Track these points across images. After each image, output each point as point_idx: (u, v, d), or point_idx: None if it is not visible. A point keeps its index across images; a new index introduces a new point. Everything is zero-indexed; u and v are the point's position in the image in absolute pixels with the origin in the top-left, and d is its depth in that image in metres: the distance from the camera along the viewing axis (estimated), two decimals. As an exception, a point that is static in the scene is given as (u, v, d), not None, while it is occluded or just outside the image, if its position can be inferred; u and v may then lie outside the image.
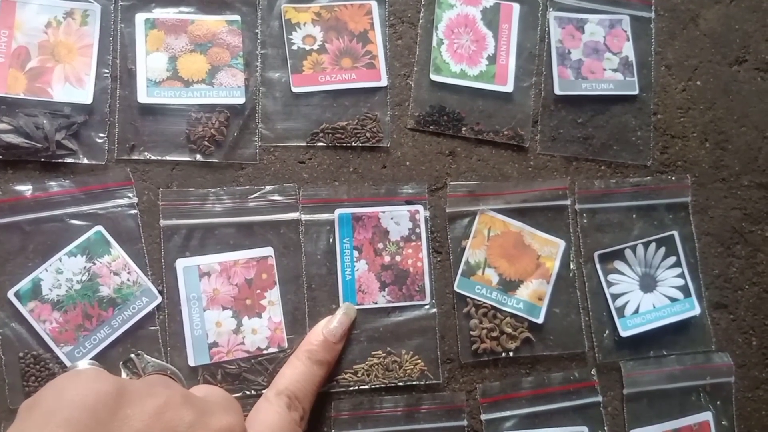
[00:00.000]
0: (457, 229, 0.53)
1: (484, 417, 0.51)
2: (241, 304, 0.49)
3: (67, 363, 0.48)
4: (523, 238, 0.53)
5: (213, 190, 0.50)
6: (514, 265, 0.52)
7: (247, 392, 0.49)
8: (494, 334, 0.51)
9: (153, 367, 0.42)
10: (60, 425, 0.28)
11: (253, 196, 0.50)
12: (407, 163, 0.53)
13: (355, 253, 0.51)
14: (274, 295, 0.50)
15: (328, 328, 0.48)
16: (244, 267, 0.49)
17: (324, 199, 0.51)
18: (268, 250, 0.50)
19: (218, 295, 0.49)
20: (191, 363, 0.48)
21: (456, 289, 0.52)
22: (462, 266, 0.52)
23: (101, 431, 0.29)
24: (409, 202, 0.52)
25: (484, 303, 0.52)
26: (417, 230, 0.52)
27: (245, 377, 0.49)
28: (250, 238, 0.50)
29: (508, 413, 0.51)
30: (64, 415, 0.29)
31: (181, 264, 0.49)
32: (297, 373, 0.45)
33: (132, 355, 0.42)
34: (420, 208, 0.52)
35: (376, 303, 0.51)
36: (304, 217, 0.51)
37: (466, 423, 0.51)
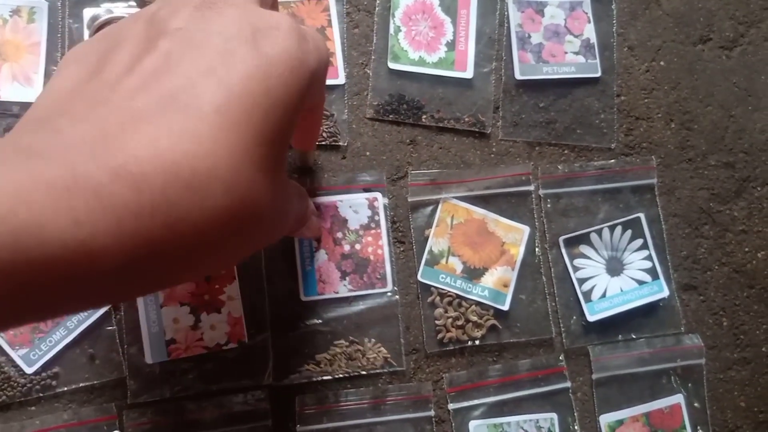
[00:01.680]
0: (420, 219, 0.52)
1: (451, 406, 0.50)
2: (199, 300, 0.48)
3: (23, 366, 0.47)
4: (486, 225, 0.52)
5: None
6: (478, 253, 0.52)
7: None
8: (460, 323, 0.51)
9: None
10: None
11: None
12: (367, 153, 0.53)
13: (314, 244, 0.50)
14: (233, 290, 0.49)
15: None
16: (200, 262, 0.49)
17: None
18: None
19: (175, 291, 0.48)
20: (148, 360, 0.48)
21: (420, 278, 0.51)
22: (425, 255, 0.52)
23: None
24: (367, 190, 0.51)
25: (449, 292, 0.51)
26: (376, 218, 0.51)
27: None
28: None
29: (475, 402, 0.51)
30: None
31: (136, 261, 0.48)
32: None
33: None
34: (378, 195, 0.51)
35: (337, 293, 0.50)
36: None
37: (433, 413, 0.50)
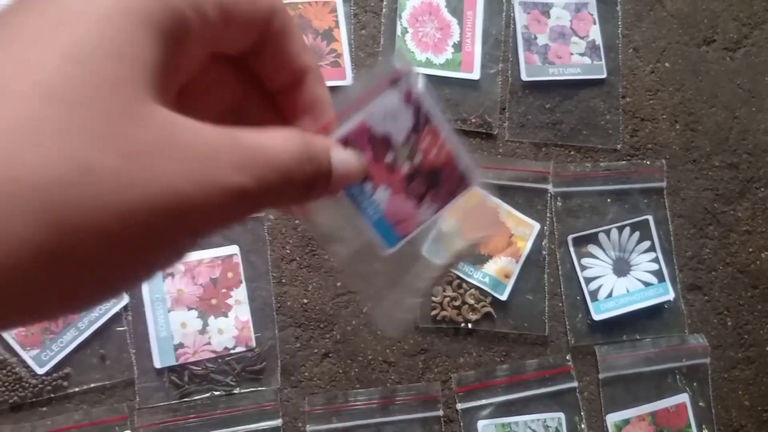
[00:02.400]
0: None
1: (459, 406, 0.51)
2: (207, 304, 0.49)
3: (35, 367, 0.47)
4: (498, 214, 0.52)
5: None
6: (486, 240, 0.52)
7: (216, 392, 0.48)
8: (456, 304, 0.51)
9: None
10: None
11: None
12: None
13: (367, 188, 0.38)
14: (240, 293, 0.49)
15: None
16: (208, 266, 0.49)
17: None
18: (233, 249, 0.49)
19: (183, 295, 0.48)
20: (157, 365, 0.48)
21: (424, 253, 0.51)
22: (433, 233, 0.52)
23: None
24: (394, 83, 0.36)
25: (451, 272, 0.52)
26: (422, 111, 0.35)
27: (212, 378, 0.49)
28: (214, 237, 0.49)
29: (483, 402, 0.51)
30: None
31: (146, 264, 0.48)
32: None
33: None
34: (409, 81, 0.32)
35: (422, 222, 0.43)
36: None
37: (441, 413, 0.50)
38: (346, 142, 0.33)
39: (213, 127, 0.19)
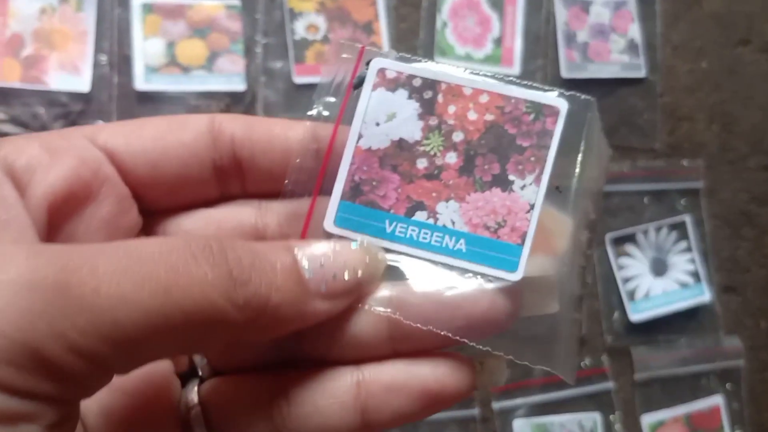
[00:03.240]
0: None
1: (495, 405, 0.50)
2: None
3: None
4: (569, 227, 0.52)
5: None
6: None
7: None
8: None
9: None
10: None
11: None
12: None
13: (419, 217, 0.22)
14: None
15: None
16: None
17: None
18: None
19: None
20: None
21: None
22: None
23: None
24: (359, 82, 0.23)
25: None
26: (416, 82, 0.22)
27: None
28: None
29: (519, 401, 0.51)
30: None
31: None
32: None
33: None
34: (377, 64, 0.23)
35: (530, 209, 0.29)
36: None
37: (477, 412, 0.50)
38: (354, 185, 0.22)
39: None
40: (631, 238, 0.53)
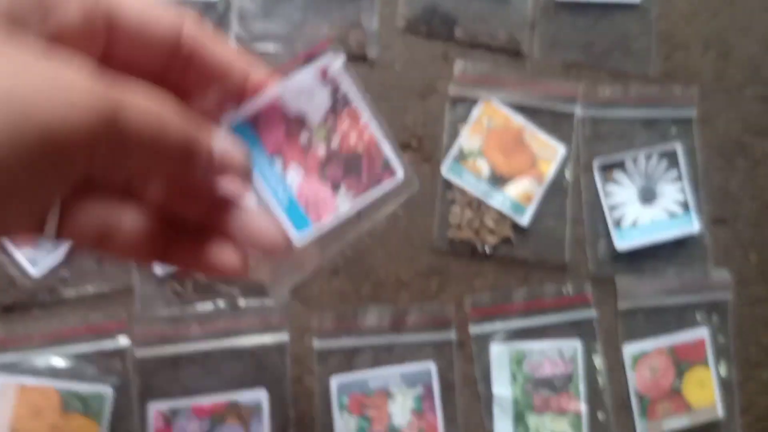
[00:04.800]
0: (456, 114, 0.50)
1: (472, 329, 0.49)
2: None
3: (29, 269, 0.44)
4: (523, 135, 0.50)
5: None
6: (508, 161, 0.50)
7: (220, 303, 0.46)
8: (475, 226, 0.49)
9: None
10: None
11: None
12: (396, 67, 0.50)
13: (277, 166, 0.32)
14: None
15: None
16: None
17: None
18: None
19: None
20: (158, 272, 0.45)
21: (444, 172, 0.49)
22: (454, 151, 0.50)
23: None
24: (308, 60, 0.33)
25: (471, 193, 0.49)
26: (340, 91, 0.33)
27: (217, 288, 0.46)
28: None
29: (498, 326, 0.49)
30: None
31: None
32: None
33: None
34: (325, 60, 0.33)
35: (338, 211, 0.34)
36: None
37: (454, 335, 0.49)
38: (257, 118, 0.31)
39: None
40: (620, 165, 0.51)
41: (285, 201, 0.33)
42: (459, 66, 0.49)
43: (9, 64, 0.18)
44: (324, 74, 0.33)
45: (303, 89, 0.33)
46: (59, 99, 0.18)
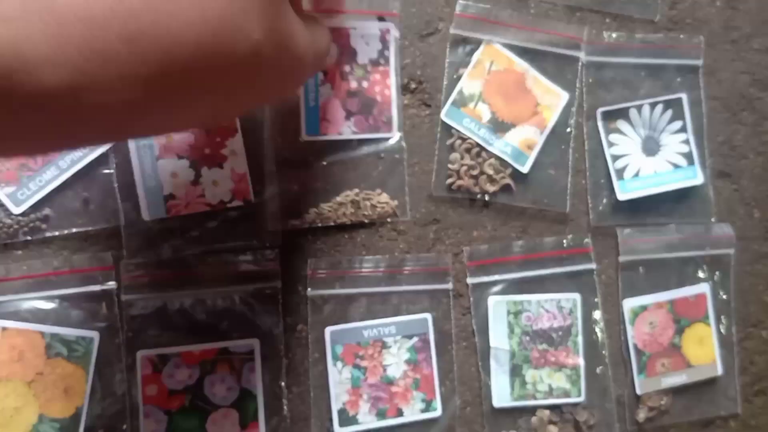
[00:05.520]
0: (457, 56, 0.48)
1: (470, 280, 0.48)
2: (199, 153, 0.44)
3: (10, 206, 0.42)
4: (525, 80, 0.48)
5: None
6: (509, 106, 0.48)
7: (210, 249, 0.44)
8: (474, 173, 0.47)
9: None
10: None
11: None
12: (395, 5, 0.48)
13: (320, 75, 0.46)
14: (236, 144, 0.45)
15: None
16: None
17: None
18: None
19: (172, 142, 0.44)
20: (145, 217, 0.43)
21: (443, 117, 0.47)
22: (454, 95, 0.48)
23: None
24: (381, 18, 0.47)
25: (470, 138, 0.47)
26: (386, 53, 0.47)
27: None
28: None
29: (496, 277, 0.48)
30: None
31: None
32: None
33: None
34: (391, 26, 0.47)
35: (341, 134, 0.46)
36: None
37: (451, 286, 0.47)
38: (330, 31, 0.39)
39: None
40: (623, 114, 0.50)
41: (311, 103, 0.45)
42: (461, 4, 0.47)
43: None
44: (384, 34, 0.45)
45: (365, 35, 0.45)
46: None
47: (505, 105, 0.48)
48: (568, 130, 0.49)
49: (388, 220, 0.46)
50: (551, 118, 0.48)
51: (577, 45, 0.49)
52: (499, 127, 0.48)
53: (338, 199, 0.46)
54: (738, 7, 0.53)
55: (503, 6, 0.49)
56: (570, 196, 0.49)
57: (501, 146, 0.48)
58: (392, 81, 0.47)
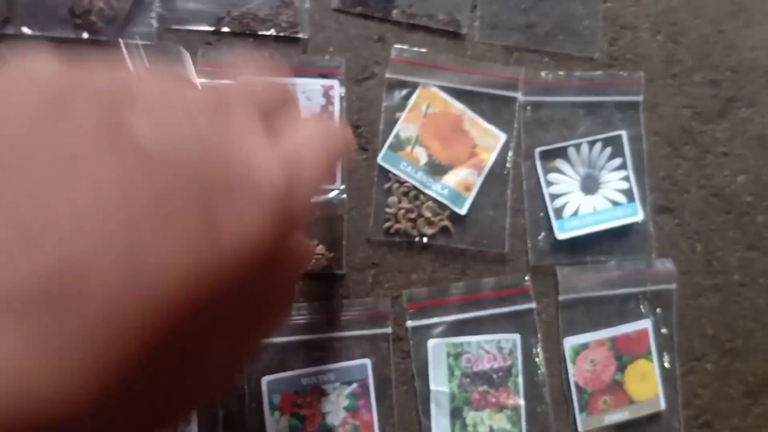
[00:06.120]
0: (393, 100, 0.48)
1: (409, 324, 0.48)
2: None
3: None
4: (462, 122, 0.48)
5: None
6: (446, 149, 0.48)
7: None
8: (412, 216, 0.47)
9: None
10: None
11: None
12: (330, 50, 0.48)
13: None
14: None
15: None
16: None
17: (224, 63, 0.45)
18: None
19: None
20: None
21: (380, 161, 0.47)
22: (391, 139, 0.48)
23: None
24: (323, 76, 0.47)
25: (407, 182, 0.47)
26: (330, 108, 0.47)
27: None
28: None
29: (435, 320, 0.48)
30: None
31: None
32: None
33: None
34: (335, 83, 0.47)
35: None
36: (199, 81, 0.45)
37: (390, 330, 0.47)
38: None
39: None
40: (562, 153, 0.50)
41: None
42: (396, 49, 0.47)
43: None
44: (327, 90, 0.46)
45: (308, 90, 0.45)
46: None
47: (442, 147, 0.48)
48: (506, 171, 0.49)
49: (322, 272, 0.46)
50: (489, 159, 0.48)
51: (515, 85, 0.49)
52: (437, 169, 0.48)
53: (272, 248, 0.45)
54: (680, 41, 0.53)
55: (439, 48, 0.49)
56: (509, 236, 0.49)
57: (438, 189, 0.47)
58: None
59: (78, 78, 0.17)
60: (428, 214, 0.48)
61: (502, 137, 0.49)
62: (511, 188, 0.49)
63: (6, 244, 0.14)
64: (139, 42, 0.35)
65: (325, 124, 0.26)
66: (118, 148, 0.16)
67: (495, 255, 0.49)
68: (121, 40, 0.30)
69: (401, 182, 0.48)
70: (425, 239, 0.48)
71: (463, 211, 0.48)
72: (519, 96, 0.49)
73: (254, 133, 0.20)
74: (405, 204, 0.47)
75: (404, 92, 0.48)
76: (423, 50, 0.48)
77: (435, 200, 0.48)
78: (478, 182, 0.48)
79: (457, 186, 0.48)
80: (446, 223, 0.48)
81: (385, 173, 0.48)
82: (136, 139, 0.17)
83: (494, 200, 0.49)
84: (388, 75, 0.48)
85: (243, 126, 0.20)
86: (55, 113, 0.16)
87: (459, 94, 0.48)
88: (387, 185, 0.48)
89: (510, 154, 0.49)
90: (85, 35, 0.44)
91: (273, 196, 0.19)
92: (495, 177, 0.49)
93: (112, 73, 0.18)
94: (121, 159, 0.16)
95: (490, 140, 0.49)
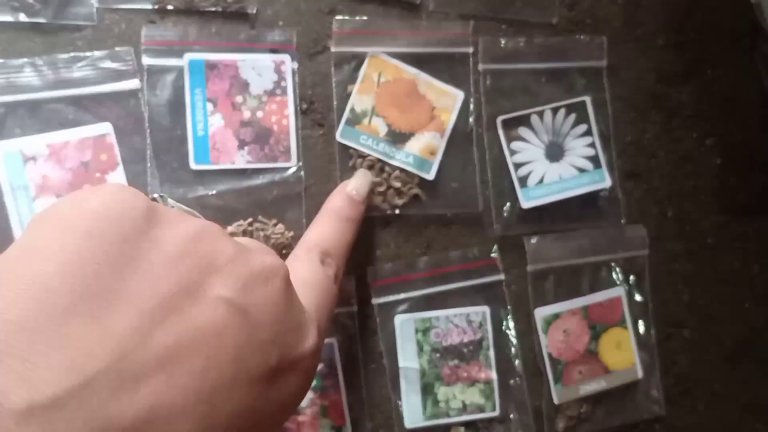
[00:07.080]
0: (343, 73, 0.47)
1: (375, 301, 0.47)
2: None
3: None
4: (417, 86, 0.47)
5: (29, 60, 0.43)
6: (405, 116, 0.47)
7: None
8: (381, 189, 0.46)
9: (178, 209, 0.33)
10: (78, 236, 0.21)
11: (80, 65, 0.43)
12: (280, 24, 0.47)
13: (209, 106, 0.45)
14: (118, 177, 0.43)
15: (352, 185, 0.43)
16: (77, 148, 0.43)
17: (171, 41, 0.44)
18: (105, 127, 0.43)
19: (49, 181, 0.42)
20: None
21: (338, 138, 0.46)
22: (346, 113, 0.47)
23: (127, 249, 0.21)
24: (274, 51, 0.46)
25: (370, 155, 0.46)
26: (282, 84, 0.46)
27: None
28: (81, 114, 0.43)
29: (402, 296, 0.47)
30: (84, 226, 0.21)
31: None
32: (327, 230, 0.40)
33: (155, 195, 0.32)
34: (287, 58, 0.46)
35: (233, 163, 0.45)
36: (147, 61, 0.44)
37: (356, 308, 0.46)
38: (214, 65, 0.44)
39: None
40: (524, 121, 0.49)
41: (201, 133, 0.44)
42: (337, 21, 0.46)
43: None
44: (279, 66, 0.45)
45: (258, 66, 0.45)
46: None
47: (400, 115, 0.47)
48: (469, 129, 0.48)
49: (284, 251, 0.45)
50: (450, 120, 0.47)
51: (466, 41, 0.48)
52: (398, 138, 0.47)
53: (230, 228, 0.45)
54: (641, 3, 0.52)
55: (392, 18, 0.48)
56: (481, 195, 0.48)
57: (403, 158, 0.47)
58: (290, 111, 0.46)
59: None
60: (398, 185, 0.47)
61: (460, 95, 0.48)
62: (477, 152, 0.48)
63: (114, 375, 0.18)
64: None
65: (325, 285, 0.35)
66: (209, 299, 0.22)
67: (471, 214, 0.48)
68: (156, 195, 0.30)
69: (364, 157, 0.47)
70: (397, 210, 0.47)
71: (430, 176, 0.47)
72: (470, 51, 0.48)
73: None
74: (372, 178, 0.46)
75: (353, 64, 0.47)
76: (365, 18, 0.47)
77: (401, 169, 0.47)
78: (441, 145, 0.47)
79: (422, 152, 0.47)
80: (416, 191, 0.47)
81: (346, 150, 0.47)
82: (225, 295, 0.22)
83: (461, 161, 0.48)
84: (333, 49, 0.47)
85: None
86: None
87: (410, 59, 0.47)
88: (351, 162, 0.47)
89: (471, 108, 0.48)
90: (23, 17, 0.43)
91: (315, 363, 0.27)
92: (459, 137, 0.48)
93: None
94: (218, 312, 0.22)
95: (447, 100, 0.48)
